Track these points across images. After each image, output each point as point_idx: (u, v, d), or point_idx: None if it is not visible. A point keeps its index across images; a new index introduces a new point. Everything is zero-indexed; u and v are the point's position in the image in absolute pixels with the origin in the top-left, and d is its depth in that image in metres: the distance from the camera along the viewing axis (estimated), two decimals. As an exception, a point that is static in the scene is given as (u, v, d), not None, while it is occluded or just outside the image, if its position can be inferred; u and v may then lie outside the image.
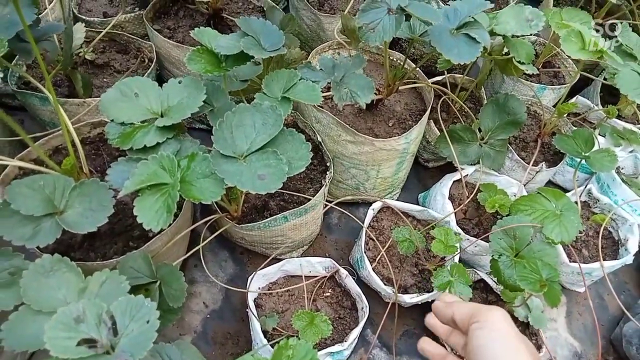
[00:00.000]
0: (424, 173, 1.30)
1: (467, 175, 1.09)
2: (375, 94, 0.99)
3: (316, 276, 0.99)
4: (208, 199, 0.64)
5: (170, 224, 0.84)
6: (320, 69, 0.83)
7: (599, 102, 1.29)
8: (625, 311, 0.97)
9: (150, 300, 0.61)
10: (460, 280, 0.88)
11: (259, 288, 0.96)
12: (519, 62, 0.96)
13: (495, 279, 0.91)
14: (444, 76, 1.17)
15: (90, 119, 0.93)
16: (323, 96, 1.05)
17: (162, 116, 0.75)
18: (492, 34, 0.92)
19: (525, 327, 0.98)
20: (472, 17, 0.81)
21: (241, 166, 0.66)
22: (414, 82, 1.06)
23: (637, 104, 1.23)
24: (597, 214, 1.11)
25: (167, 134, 0.73)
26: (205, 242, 0.84)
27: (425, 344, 0.60)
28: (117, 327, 0.59)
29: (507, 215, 0.94)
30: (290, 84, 0.77)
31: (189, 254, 0.87)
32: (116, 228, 0.85)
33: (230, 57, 0.78)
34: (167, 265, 0.76)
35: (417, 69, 1.10)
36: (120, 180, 0.68)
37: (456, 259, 0.97)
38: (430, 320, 0.61)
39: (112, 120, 0.73)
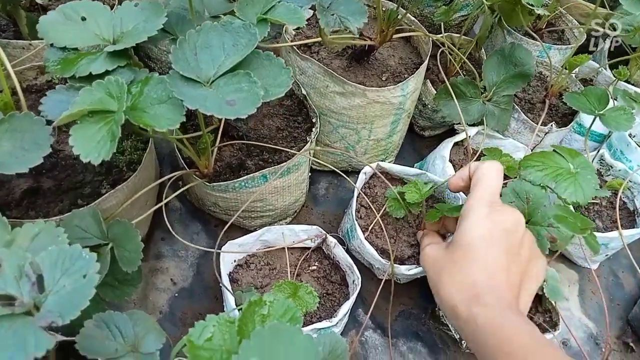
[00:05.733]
0: (420, 142, 1.19)
1: (470, 137, 0.98)
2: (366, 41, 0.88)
3: (300, 248, 0.87)
4: (164, 126, 0.51)
5: (125, 179, 0.72)
6: (305, -6, 0.71)
7: (607, 66, 1.19)
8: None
9: (89, 251, 0.48)
10: None
11: (234, 260, 0.83)
12: (528, 3, 0.85)
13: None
14: (441, 34, 1.07)
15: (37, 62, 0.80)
16: (307, 46, 0.94)
17: (114, 44, 0.63)
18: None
19: (537, 302, 0.87)
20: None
21: (206, 91, 0.54)
22: (410, 31, 0.95)
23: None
24: (610, 181, 1.01)
25: (118, 61, 0.60)
26: (169, 198, 0.72)
27: None
28: (44, 283, 0.47)
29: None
30: (268, 7, 0.65)
31: (150, 211, 0.74)
32: (63, 185, 0.72)
33: (197, -22, 0.66)
34: (119, 222, 0.63)
35: (415, 20, 0.99)
36: (57, 111, 0.55)
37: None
38: None
39: (52, 45, 0.61)
